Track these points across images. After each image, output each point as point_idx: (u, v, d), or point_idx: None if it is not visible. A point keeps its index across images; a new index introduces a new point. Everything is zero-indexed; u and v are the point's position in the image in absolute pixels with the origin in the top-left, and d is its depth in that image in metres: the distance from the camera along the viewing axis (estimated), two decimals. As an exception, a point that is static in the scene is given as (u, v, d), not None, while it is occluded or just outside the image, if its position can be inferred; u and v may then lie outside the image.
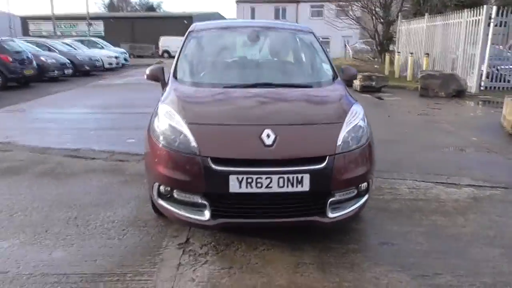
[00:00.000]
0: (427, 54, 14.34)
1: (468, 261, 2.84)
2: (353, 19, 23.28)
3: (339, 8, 37.84)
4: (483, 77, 12.20)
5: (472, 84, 12.09)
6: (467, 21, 12.56)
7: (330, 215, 2.87)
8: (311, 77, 3.76)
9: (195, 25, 4.48)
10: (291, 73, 3.95)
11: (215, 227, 2.83)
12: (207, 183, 2.75)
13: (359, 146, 2.96)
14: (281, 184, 2.72)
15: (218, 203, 2.80)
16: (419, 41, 16.09)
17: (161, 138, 2.96)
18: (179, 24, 44.23)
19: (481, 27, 11.80)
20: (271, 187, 2.72)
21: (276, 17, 43.10)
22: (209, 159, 2.74)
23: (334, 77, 3.73)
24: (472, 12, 12.30)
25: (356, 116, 3.09)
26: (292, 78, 3.80)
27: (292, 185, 2.73)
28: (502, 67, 12.61)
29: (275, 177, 2.71)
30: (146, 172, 3.20)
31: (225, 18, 56.10)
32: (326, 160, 2.79)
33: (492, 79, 12.42)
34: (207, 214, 2.81)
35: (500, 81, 12.51)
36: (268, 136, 2.80)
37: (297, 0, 42.38)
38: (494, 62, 12.40)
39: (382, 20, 20.83)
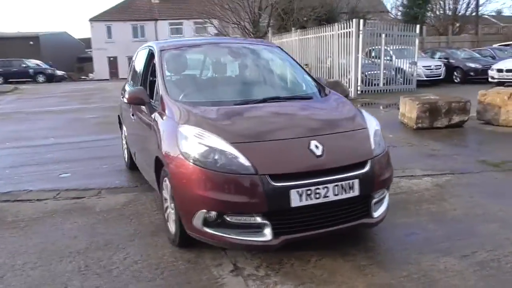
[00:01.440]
0: (306, 64, 15.58)
1: (484, 237, 3.26)
2: (216, 34, 24.08)
3: (198, 25, 38.79)
4: (359, 82, 13.75)
5: (351, 89, 13.52)
6: (338, 33, 14.04)
7: (375, 215, 3.04)
8: (306, 89, 3.89)
9: (160, 44, 4.26)
10: (286, 87, 4.02)
11: (277, 246, 2.75)
12: (268, 201, 2.68)
13: (384, 149, 3.19)
14: (336, 192, 2.80)
15: (279, 220, 2.75)
16: (292, 53, 17.36)
17: (200, 161, 2.78)
18: (24, 45, 40.10)
19: (353, 38, 13.31)
20: (328, 196, 2.78)
21: (135, 35, 41.98)
22: (267, 177, 2.68)
23: (320, 89, 3.92)
24: (343, 25, 13.79)
25: (371, 122, 3.32)
26: (290, 91, 3.88)
27: (345, 192, 2.83)
28: (369, 72, 14.41)
29: (331, 186, 2.78)
30: (177, 202, 2.96)
31: (74, 38, 52.65)
32: (369, 164, 2.95)
33: (365, 83, 14.07)
34: (268, 234, 2.73)
35: (371, 85, 14.26)
36: (317, 147, 2.85)
37: (155, 18, 41.90)
38: (363, 69, 14.08)
39: (252, 36, 21.91)
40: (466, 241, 3.20)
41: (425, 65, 16.70)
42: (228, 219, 2.77)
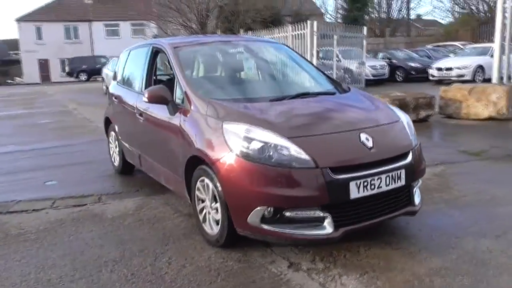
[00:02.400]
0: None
1: (506, 219, 3.49)
2: (155, 36, 23.67)
3: (136, 27, 37.71)
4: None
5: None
6: (292, 34, 14.30)
7: (416, 202, 3.15)
8: (326, 85, 3.92)
9: (170, 42, 4.13)
10: (308, 83, 4.03)
11: (339, 238, 2.77)
12: (329, 194, 2.69)
13: (417, 139, 3.32)
14: (387, 182, 2.88)
15: (338, 212, 2.77)
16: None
17: (255, 157, 2.73)
18: None
19: (308, 39, 13.63)
20: (381, 187, 2.85)
21: (67, 37, 39.99)
22: (328, 170, 2.69)
23: (336, 85, 3.98)
24: (297, 26, 14.07)
25: (401, 114, 3.44)
26: (314, 87, 3.89)
27: (395, 182, 2.92)
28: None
29: (383, 177, 2.85)
30: (229, 200, 2.86)
31: (-2, 40, 48.97)
32: (411, 154, 3.06)
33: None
34: (328, 226, 2.74)
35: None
36: (367, 139, 2.91)
37: (89, 19, 40.13)
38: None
39: (199, 37, 21.67)
40: (492, 223, 3.41)
41: (371, 65, 17.48)
42: (287, 214, 2.74)
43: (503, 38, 8.31)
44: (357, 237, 3.13)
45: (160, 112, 3.72)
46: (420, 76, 17.80)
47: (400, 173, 2.94)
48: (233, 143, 2.84)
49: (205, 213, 3.24)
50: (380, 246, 3.06)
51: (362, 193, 2.78)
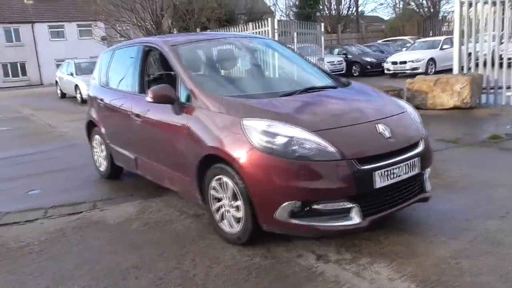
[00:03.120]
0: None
1: (505, 199, 3.68)
2: (103, 37, 23.11)
3: (82, 28, 36.39)
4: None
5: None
6: (253, 32, 14.32)
7: (428, 189, 3.28)
8: (326, 80, 3.96)
9: (165, 39, 4.03)
10: (310, 77, 4.05)
11: (366, 227, 2.82)
12: (356, 184, 2.75)
13: (424, 128, 3.44)
14: (406, 171, 2.97)
15: (364, 202, 2.82)
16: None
17: (280, 152, 2.74)
18: None
19: (269, 36, 13.69)
20: (400, 175, 2.94)
21: (8, 40, 37.80)
22: (354, 161, 2.74)
23: (335, 79, 4.05)
24: (258, 24, 14.11)
25: (406, 105, 3.55)
26: (317, 81, 3.92)
27: (412, 170, 3.03)
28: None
29: (402, 166, 2.94)
30: (255, 197, 2.84)
31: None
32: (422, 143, 3.18)
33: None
34: (356, 217, 2.79)
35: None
36: (384, 129, 2.98)
37: (31, 21, 38.15)
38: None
39: (154, 37, 21.20)
40: (493, 204, 3.60)
41: (329, 61, 17.85)
42: (316, 207, 2.77)
43: (461, 32, 8.77)
44: (373, 227, 3.20)
45: (163, 112, 3.62)
46: (375, 70, 18.44)
47: (416, 161, 3.04)
48: (255, 139, 2.82)
49: (222, 212, 3.19)
50: (397, 234, 3.16)
51: (385, 182, 2.85)
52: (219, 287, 2.62)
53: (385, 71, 17.40)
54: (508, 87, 8.29)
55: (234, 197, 3.04)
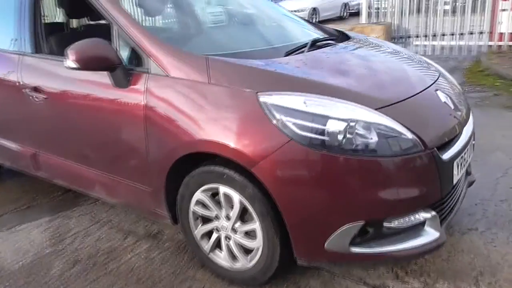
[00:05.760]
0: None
1: (502, 160, 3.21)
2: None
3: None
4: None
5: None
6: None
7: (471, 171, 2.56)
8: (316, 30, 2.89)
9: None
10: (301, 28, 2.88)
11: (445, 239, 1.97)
12: (441, 185, 1.86)
13: None
14: (470, 153, 2.18)
15: (439, 206, 1.96)
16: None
17: (337, 145, 1.70)
18: None
19: None
20: (467, 161, 2.15)
21: None
22: (436, 151, 1.83)
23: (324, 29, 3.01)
24: None
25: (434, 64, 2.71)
26: (310, 32, 2.80)
27: (472, 150, 2.25)
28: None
29: (469, 147, 2.13)
30: (291, 221, 1.78)
31: None
32: (471, 115, 2.39)
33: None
34: (433, 229, 1.91)
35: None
36: (446, 98, 2.12)
37: None
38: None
39: None
40: (496, 165, 3.09)
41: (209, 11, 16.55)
42: (388, 225, 1.82)
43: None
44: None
45: (89, 83, 2.24)
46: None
47: (474, 144, 2.27)
48: (289, 127, 1.71)
49: (216, 238, 2.07)
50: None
51: (459, 174, 2.03)
52: None
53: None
54: (417, 36, 8.17)
55: (243, 217, 1.94)
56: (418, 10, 8.05)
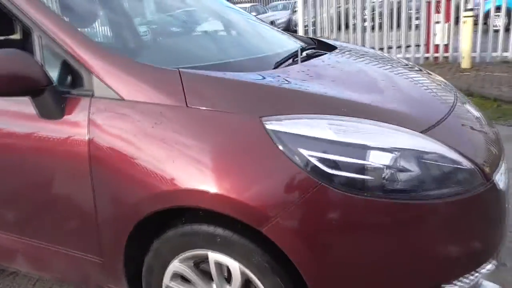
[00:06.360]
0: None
1: None
2: None
3: None
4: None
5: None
6: None
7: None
8: (295, 40, 2.38)
9: None
10: (274, 37, 2.34)
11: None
12: (501, 224, 1.43)
13: None
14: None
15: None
16: None
17: (384, 186, 1.22)
18: None
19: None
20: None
21: None
22: (496, 181, 1.41)
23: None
24: None
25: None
26: (294, 43, 2.28)
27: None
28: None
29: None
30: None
31: None
32: None
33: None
34: (492, 284, 1.46)
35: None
36: (475, 109, 1.74)
37: None
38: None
39: None
40: None
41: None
42: None
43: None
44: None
45: (3, 115, 1.57)
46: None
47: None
48: (316, 165, 1.19)
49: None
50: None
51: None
52: None
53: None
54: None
55: (245, 295, 1.37)
56: (354, 25, 8.01)
